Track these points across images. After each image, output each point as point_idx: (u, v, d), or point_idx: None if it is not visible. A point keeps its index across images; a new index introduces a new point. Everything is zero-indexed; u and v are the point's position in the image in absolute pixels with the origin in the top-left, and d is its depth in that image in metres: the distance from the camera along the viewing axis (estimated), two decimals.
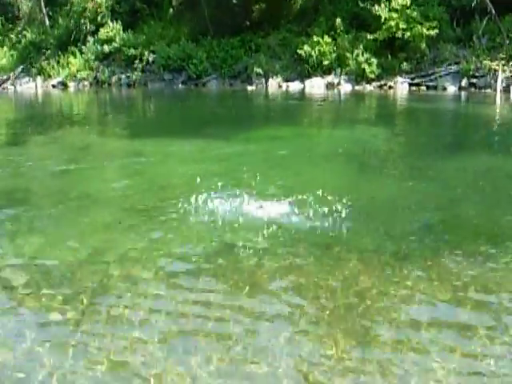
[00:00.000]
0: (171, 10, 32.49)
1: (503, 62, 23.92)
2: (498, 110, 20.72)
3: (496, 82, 23.63)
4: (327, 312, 4.86)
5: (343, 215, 7.14)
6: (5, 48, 36.46)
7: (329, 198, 7.47)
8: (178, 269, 5.82)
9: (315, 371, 4.09)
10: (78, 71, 32.18)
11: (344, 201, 7.41)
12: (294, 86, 26.26)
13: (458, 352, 4.31)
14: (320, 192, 7.49)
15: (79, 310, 4.95)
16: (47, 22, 35.35)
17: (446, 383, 3.96)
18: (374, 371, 4.09)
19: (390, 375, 4.04)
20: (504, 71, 23.76)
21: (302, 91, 25.55)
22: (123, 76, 30.76)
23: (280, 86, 26.55)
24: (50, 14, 35.69)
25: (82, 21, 32.76)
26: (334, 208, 7.28)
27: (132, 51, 30.21)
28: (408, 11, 24.74)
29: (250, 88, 26.61)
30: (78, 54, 32.64)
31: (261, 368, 4.11)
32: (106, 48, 31.42)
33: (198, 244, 6.48)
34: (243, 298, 5.13)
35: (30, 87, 33.67)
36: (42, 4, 35.43)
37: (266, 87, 26.68)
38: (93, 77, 31.73)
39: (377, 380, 3.99)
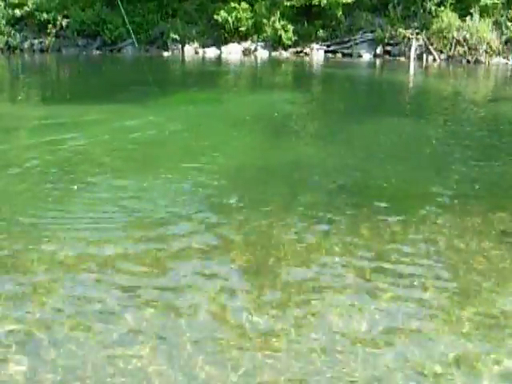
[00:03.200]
0: None
1: (417, 30, 24.26)
2: (411, 77, 21.10)
3: (410, 50, 23.98)
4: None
5: (253, 178, 7.21)
6: None
7: (241, 161, 7.50)
8: None
9: None
10: None
11: (255, 164, 7.44)
12: (211, 53, 25.99)
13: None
14: (232, 156, 7.50)
15: None
16: None
17: None
18: None
19: None
20: (417, 40, 24.11)
21: (219, 57, 25.33)
22: (36, 41, 29.70)
23: (197, 53, 26.23)
24: None
25: None
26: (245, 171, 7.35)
27: (45, 16, 29.13)
28: None
29: (166, 54, 26.18)
30: None
31: None
32: (18, 12, 30.20)
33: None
34: None
35: None
36: None
37: (183, 53, 26.30)
38: (4, 42, 30.48)
39: None
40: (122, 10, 22.05)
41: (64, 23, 28.95)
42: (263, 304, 4.29)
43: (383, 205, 6.40)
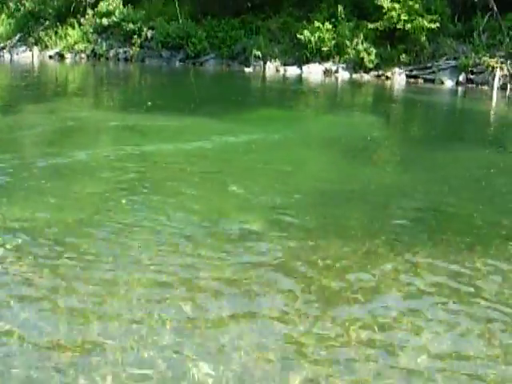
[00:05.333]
0: None
1: (502, 59, 23.91)
2: (493, 107, 20.81)
3: (493, 79, 23.64)
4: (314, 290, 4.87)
5: (333, 201, 7.23)
6: (3, 16, 36.15)
7: (320, 183, 7.55)
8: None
9: None
10: (75, 43, 31.93)
11: (335, 187, 7.47)
12: (292, 71, 26.14)
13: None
14: (311, 177, 7.55)
15: None
16: None
17: None
18: None
19: None
20: (502, 69, 23.76)
21: (300, 76, 25.45)
22: (121, 50, 30.52)
23: (278, 70, 26.42)
24: None
25: None
26: (324, 194, 7.37)
27: (131, 26, 29.96)
28: (410, 3, 24.63)
29: (247, 70, 26.47)
30: (76, 26, 32.39)
31: None
32: (105, 21, 31.14)
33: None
34: None
35: (27, 56, 33.41)
36: None
37: (264, 70, 26.54)
38: (90, 50, 31.46)
39: None
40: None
41: (149, 34, 29.66)
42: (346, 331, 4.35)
43: (467, 240, 6.35)
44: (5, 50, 34.35)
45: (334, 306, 4.74)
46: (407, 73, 24.96)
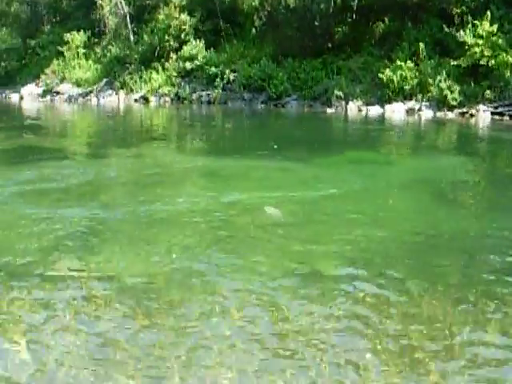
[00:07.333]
0: (254, 30, 32.97)
1: None
2: None
3: None
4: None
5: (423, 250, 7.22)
6: (90, 61, 37.76)
7: (407, 231, 7.53)
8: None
9: None
10: (159, 87, 33.04)
11: (423, 236, 7.45)
12: (374, 111, 26.19)
13: None
14: (396, 225, 7.51)
15: None
16: (132, 38, 36.38)
17: None
18: None
19: None
20: None
21: (382, 116, 25.43)
22: (204, 93, 31.34)
23: (360, 110, 26.51)
24: (135, 30, 36.74)
25: (166, 38, 33.59)
26: (411, 242, 7.37)
27: (213, 69, 30.77)
28: (493, 38, 24.42)
29: (329, 111, 26.66)
30: (160, 69, 33.49)
31: None
32: (188, 65, 32.11)
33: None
34: None
35: (113, 100, 34.73)
36: (128, 20, 36.51)
37: (346, 110, 26.67)
38: (174, 93, 32.46)
39: None
40: None
41: (231, 77, 30.34)
42: None
43: None
44: (92, 94, 35.74)
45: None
46: (492, 110, 24.58)
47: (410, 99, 25.86)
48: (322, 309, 5.56)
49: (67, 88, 37.03)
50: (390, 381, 4.47)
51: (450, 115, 24.90)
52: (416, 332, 5.15)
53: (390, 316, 5.43)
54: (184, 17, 33.24)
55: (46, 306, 5.61)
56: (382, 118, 25.01)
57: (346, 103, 26.88)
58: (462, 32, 25.00)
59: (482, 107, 24.64)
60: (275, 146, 15.87)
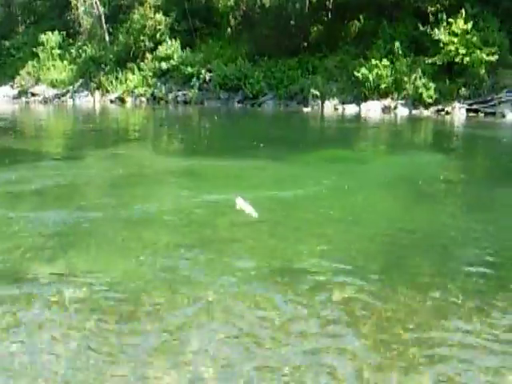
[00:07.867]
0: (229, 29, 32.90)
1: None
2: None
3: None
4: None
5: (401, 246, 7.22)
6: (65, 62, 37.45)
7: (385, 228, 7.52)
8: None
9: None
10: (135, 87, 32.87)
11: (399, 233, 7.46)
12: (350, 109, 26.26)
13: None
14: (374, 222, 7.50)
15: None
16: (107, 38, 36.18)
17: None
18: None
19: None
20: None
21: (358, 114, 25.50)
22: (180, 93, 31.24)
23: (336, 109, 26.56)
24: (110, 30, 36.51)
25: (141, 38, 33.42)
26: (389, 239, 7.38)
27: (189, 69, 30.67)
28: (468, 36, 24.60)
29: (305, 110, 26.66)
30: (136, 70, 33.30)
31: None
32: (164, 65, 31.98)
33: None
34: None
35: (88, 101, 34.50)
36: (103, 21, 36.27)
37: (322, 109, 26.71)
38: (150, 93, 32.33)
39: None
40: None
41: (207, 77, 30.26)
42: None
43: None
44: (68, 95, 35.49)
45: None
46: (467, 107, 24.76)
47: (386, 97, 25.96)
48: (301, 308, 5.52)
49: (42, 89, 36.66)
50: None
51: (426, 113, 25.05)
52: (391, 328, 5.15)
53: (367, 315, 5.42)
54: (159, 17, 33.10)
55: (20, 309, 5.51)
56: (358, 117, 25.07)
57: (323, 102, 26.92)
58: (436, 30, 25.11)
59: (457, 104, 24.82)
60: (261, 145, 15.87)
